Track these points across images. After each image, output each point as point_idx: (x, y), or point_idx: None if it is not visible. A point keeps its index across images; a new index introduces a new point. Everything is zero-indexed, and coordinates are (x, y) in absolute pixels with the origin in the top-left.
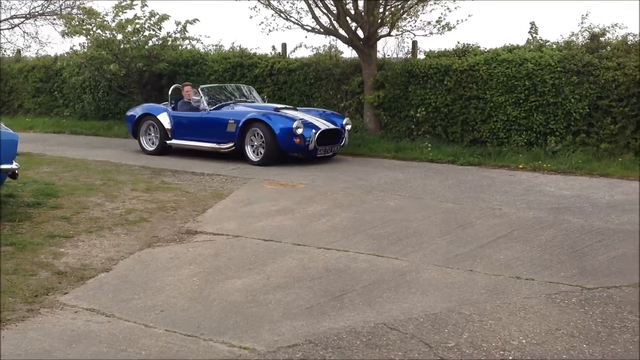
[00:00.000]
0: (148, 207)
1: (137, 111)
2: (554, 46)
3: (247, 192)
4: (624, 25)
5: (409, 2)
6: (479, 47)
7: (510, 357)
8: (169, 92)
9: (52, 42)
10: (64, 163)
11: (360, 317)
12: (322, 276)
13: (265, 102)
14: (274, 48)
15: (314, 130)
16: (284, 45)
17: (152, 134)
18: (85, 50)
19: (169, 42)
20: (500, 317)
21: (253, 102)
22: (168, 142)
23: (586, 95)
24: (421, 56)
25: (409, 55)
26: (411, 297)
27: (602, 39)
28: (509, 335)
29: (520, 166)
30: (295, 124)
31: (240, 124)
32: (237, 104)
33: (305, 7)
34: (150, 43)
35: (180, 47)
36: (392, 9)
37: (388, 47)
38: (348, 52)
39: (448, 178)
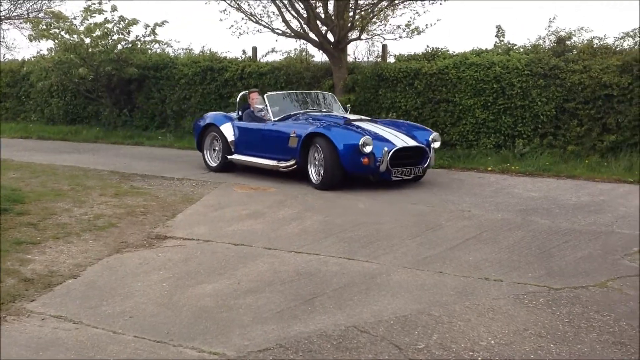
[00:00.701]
0: (117, 213)
1: (202, 120)
2: (522, 50)
3: (217, 196)
4: (589, 28)
5: (378, 6)
6: (447, 50)
7: (479, 358)
8: (237, 100)
9: (19, 46)
10: (31, 168)
11: (331, 320)
12: (293, 280)
13: (346, 112)
14: (244, 52)
15: (386, 148)
16: (254, 49)
17: (217, 148)
18: (53, 54)
19: (138, 46)
20: (469, 318)
21: (329, 112)
22: (229, 157)
23: (553, 98)
24: (391, 60)
25: (379, 59)
26: (382, 299)
27: (568, 42)
28: (478, 336)
29: (489, 168)
30: (362, 140)
31: (303, 137)
32: (307, 114)
33: (276, 11)
34: (119, 47)
35: (149, 50)
36: (362, 13)
37: (359, 50)
38: (319, 56)
39: (418, 180)
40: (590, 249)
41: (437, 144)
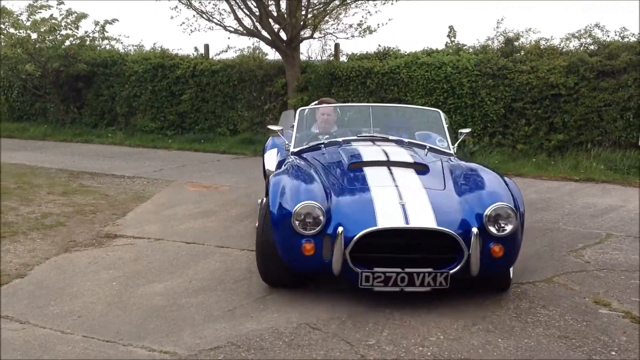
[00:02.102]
0: (65, 211)
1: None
2: (471, 50)
3: (169, 194)
4: (537, 29)
5: (330, 5)
6: (399, 50)
7: (429, 353)
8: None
9: None
10: None
11: (283, 317)
12: (245, 278)
13: (452, 145)
14: (196, 49)
15: (341, 228)
16: (206, 46)
17: None
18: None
19: (87, 42)
20: (420, 315)
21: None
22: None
23: (501, 97)
24: (344, 59)
25: (332, 58)
26: (334, 296)
27: (516, 43)
28: (428, 331)
29: None
30: (298, 207)
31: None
32: (341, 144)
33: (228, 9)
34: (67, 43)
35: (98, 47)
36: (314, 12)
37: (312, 49)
38: (272, 54)
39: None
40: (537, 246)
41: (499, 228)
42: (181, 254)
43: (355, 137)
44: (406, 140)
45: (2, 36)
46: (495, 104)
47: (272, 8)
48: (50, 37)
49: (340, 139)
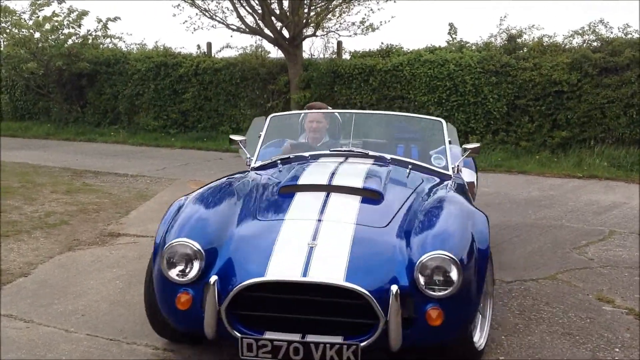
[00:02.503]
0: (69, 210)
1: None
2: (474, 47)
3: (172, 193)
4: (540, 26)
5: (333, 3)
6: (402, 47)
7: None
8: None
9: None
10: None
11: None
12: None
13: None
14: (199, 47)
15: (214, 277)
16: (209, 45)
17: None
18: (2, 48)
19: (90, 41)
20: None
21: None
22: None
23: (504, 95)
24: (346, 56)
25: (334, 56)
26: None
27: (519, 40)
28: None
29: None
30: (167, 249)
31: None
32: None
33: (230, 7)
34: (70, 41)
35: (101, 45)
36: (317, 10)
37: (315, 47)
38: (274, 52)
39: None
40: (540, 243)
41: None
42: None
43: (326, 152)
44: (389, 157)
45: (4, 35)
46: (499, 101)
47: (275, 6)
48: (53, 36)
49: (307, 154)
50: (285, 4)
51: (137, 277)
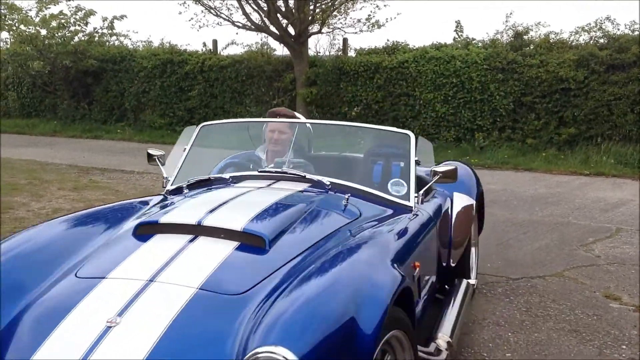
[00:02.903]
0: (76, 207)
1: None
2: (480, 44)
3: None
4: (546, 23)
5: (338, 0)
6: (407, 44)
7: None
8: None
9: None
10: None
11: None
12: None
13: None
14: (204, 45)
15: None
16: (214, 42)
17: None
18: (8, 46)
19: (96, 38)
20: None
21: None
22: None
23: (511, 92)
24: (352, 53)
25: (340, 53)
26: None
27: (525, 37)
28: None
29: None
30: None
31: None
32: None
33: (236, 4)
34: (76, 39)
35: (107, 43)
36: (323, 7)
37: (320, 44)
38: (280, 49)
39: None
40: (547, 240)
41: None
42: None
43: (252, 174)
44: (328, 181)
45: (10, 32)
46: (505, 98)
47: (280, 3)
48: (60, 33)
49: (227, 176)
50: (291, 1)
51: None
